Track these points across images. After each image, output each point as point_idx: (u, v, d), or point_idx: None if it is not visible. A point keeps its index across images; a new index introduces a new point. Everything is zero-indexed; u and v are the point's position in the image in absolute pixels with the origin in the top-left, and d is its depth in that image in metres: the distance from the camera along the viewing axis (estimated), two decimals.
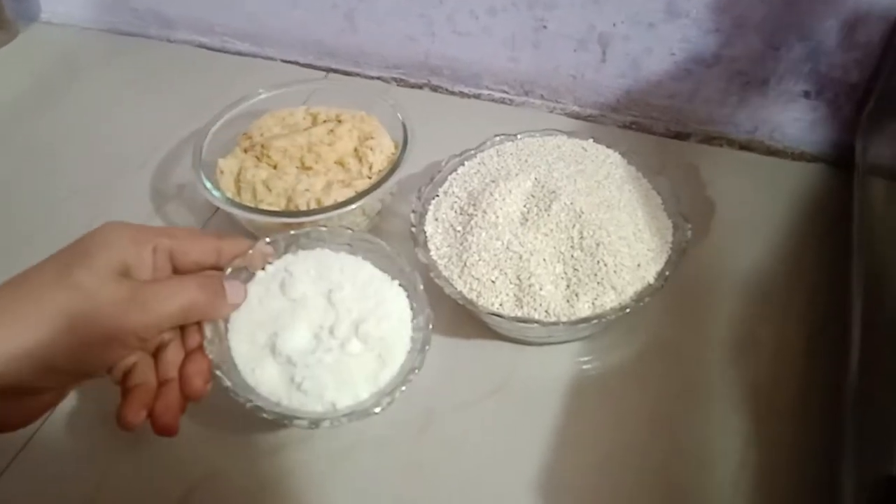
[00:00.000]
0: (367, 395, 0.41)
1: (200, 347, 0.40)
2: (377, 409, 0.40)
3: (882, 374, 0.35)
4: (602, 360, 0.47)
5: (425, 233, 0.48)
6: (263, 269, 0.44)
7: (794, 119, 0.58)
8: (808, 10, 0.52)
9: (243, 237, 0.44)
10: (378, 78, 0.70)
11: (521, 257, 0.45)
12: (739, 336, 0.48)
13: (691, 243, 0.46)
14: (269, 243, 0.45)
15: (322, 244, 0.46)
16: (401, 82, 0.69)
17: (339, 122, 0.55)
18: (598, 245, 0.45)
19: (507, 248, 0.45)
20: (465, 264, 0.46)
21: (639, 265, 0.45)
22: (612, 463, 0.43)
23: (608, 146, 0.52)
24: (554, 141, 0.52)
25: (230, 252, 0.43)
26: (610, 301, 0.44)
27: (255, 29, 0.71)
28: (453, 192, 0.50)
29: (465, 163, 0.52)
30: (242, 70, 0.71)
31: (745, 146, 0.61)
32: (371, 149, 0.53)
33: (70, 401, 0.46)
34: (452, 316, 0.48)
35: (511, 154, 0.52)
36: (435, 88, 0.68)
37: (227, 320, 0.42)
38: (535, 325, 0.43)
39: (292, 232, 0.46)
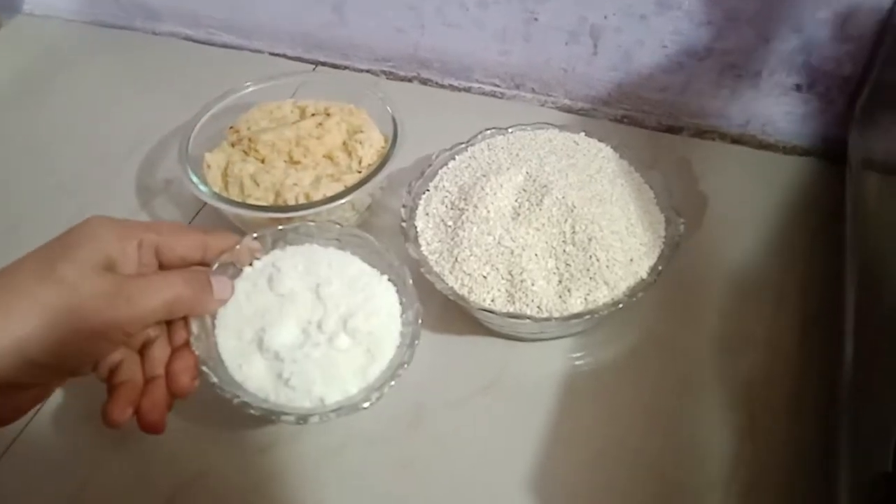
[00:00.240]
0: (356, 391, 0.40)
1: (187, 344, 0.40)
2: (366, 405, 0.39)
3: (877, 369, 0.34)
4: (595, 355, 0.47)
5: (416, 228, 0.48)
6: (251, 264, 0.44)
7: (786, 112, 0.58)
8: (800, 3, 0.52)
9: (230, 232, 0.44)
10: (367, 71, 0.69)
11: (512, 252, 0.45)
12: (732, 330, 0.48)
13: (684, 237, 0.46)
14: (256, 238, 0.44)
15: (310, 239, 0.45)
16: (390, 75, 0.69)
17: (328, 115, 0.55)
18: (590, 240, 0.44)
19: (499, 243, 0.45)
20: (456, 259, 0.45)
21: (631, 260, 0.44)
22: (605, 459, 0.42)
23: (600, 140, 0.52)
24: (545, 135, 0.52)
25: (217, 247, 0.42)
26: (602, 296, 0.43)
27: (242, 21, 0.70)
28: (444, 187, 0.49)
29: (456, 157, 0.51)
30: (229, 63, 0.71)
31: (737, 140, 0.61)
32: (360, 142, 0.53)
33: (56, 399, 0.46)
34: (443, 311, 0.47)
35: (502, 148, 0.51)
36: (425, 81, 0.68)
37: (214, 316, 0.42)
38: (528, 320, 0.43)
39: (280, 227, 0.45)
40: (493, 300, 0.44)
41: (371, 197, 0.54)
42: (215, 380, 0.39)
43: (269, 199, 0.50)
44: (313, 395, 0.40)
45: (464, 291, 0.44)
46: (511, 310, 0.44)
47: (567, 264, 0.44)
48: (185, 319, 0.40)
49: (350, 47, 0.68)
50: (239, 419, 0.41)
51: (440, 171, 0.51)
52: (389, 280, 0.44)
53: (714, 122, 0.61)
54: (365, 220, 0.54)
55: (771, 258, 0.52)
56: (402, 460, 0.43)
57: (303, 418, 0.39)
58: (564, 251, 0.45)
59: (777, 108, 0.58)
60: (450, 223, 0.47)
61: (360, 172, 0.52)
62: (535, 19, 0.59)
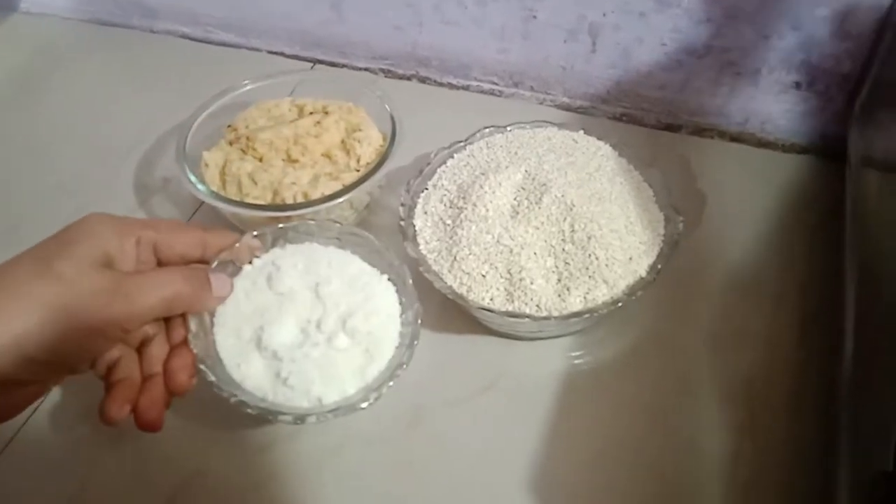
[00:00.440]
0: (355, 391, 0.40)
1: (185, 341, 0.40)
2: (364, 405, 0.39)
3: (877, 367, 0.34)
4: (594, 354, 0.47)
5: (414, 226, 0.48)
6: (250, 262, 0.44)
7: (785, 110, 0.58)
8: (799, 0, 0.52)
9: (229, 230, 0.44)
10: (365, 69, 0.69)
11: (511, 251, 0.44)
12: (731, 328, 0.48)
13: (683, 236, 0.46)
14: (256, 237, 0.44)
15: (310, 238, 0.45)
16: (388, 73, 0.69)
17: (326, 113, 0.54)
18: (589, 238, 0.44)
19: (498, 241, 0.45)
20: (454, 258, 0.45)
21: (630, 258, 0.44)
22: (604, 458, 0.42)
23: (599, 138, 0.52)
24: (544, 133, 0.52)
25: (216, 245, 0.42)
26: (602, 295, 0.43)
27: (240, 19, 0.70)
28: (443, 185, 0.49)
29: (455, 155, 0.51)
30: (227, 61, 0.70)
31: (735, 138, 0.61)
32: (359, 141, 0.52)
33: (54, 397, 0.46)
34: (442, 311, 0.47)
35: (501, 146, 0.51)
36: (423, 80, 0.68)
37: (212, 314, 0.42)
38: (527, 319, 0.43)
39: (280, 225, 0.45)
40: (491, 299, 0.44)
41: (369, 195, 0.54)
42: (213, 378, 0.39)
43: (267, 198, 0.50)
44: (311, 394, 0.40)
45: (462, 290, 0.44)
46: (510, 309, 0.43)
47: (566, 263, 0.44)
48: (184, 317, 0.40)
49: (348, 45, 0.68)
50: (237, 418, 0.41)
51: (439, 170, 0.51)
52: (389, 280, 0.44)
53: (713, 120, 0.61)
54: (363, 218, 0.54)
55: (770, 256, 0.52)
56: (401, 460, 0.43)
57: (300, 418, 0.39)
58: (563, 250, 0.44)
59: (776, 105, 0.58)
60: (448, 222, 0.47)
61: (358, 171, 0.52)
62: (534, 17, 0.59)
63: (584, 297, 0.43)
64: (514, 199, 0.47)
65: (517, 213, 0.46)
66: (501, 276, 0.44)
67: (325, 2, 0.65)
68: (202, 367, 0.39)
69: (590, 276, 0.43)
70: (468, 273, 0.44)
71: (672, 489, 0.41)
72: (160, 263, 0.40)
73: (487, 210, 0.46)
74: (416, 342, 0.41)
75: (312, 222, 0.46)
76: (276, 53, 0.71)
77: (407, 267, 0.44)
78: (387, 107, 0.53)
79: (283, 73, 0.59)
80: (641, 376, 0.46)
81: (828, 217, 0.52)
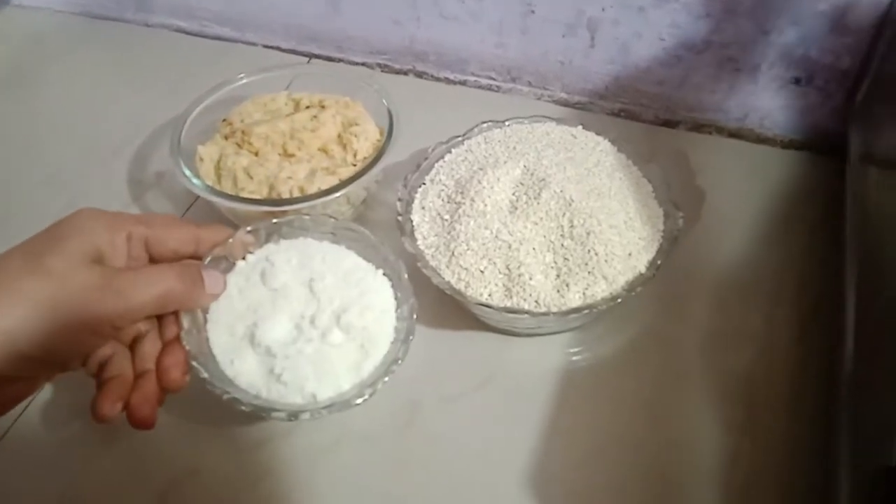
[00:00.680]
0: (349, 387, 0.40)
1: (178, 338, 0.39)
2: (359, 401, 0.39)
3: (879, 364, 0.34)
4: (592, 350, 0.47)
5: (412, 222, 0.47)
6: (244, 258, 0.43)
7: (784, 106, 0.58)
8: None
9: (223, 225, 0.43)
10: (362, 64, 0.69)
11: (510, 246, 0.44)
12: (730, 325, 0.47)
13: (682, 232, 0.45)
14: (249, 232, 0.44)
15: (305, 233, 0.45)
16: (385, 68, 0.68)
17: (323, 107, 0.54)
18: (588, 234, 0.44)
19: (496, 237, 0.44)
20: (452, 254, 0.44)
21: (630, 254, 0.44)
22: (603, 455, 0.42)
23: (598, 133, 0.51)
24: (543, 128, 0.51)
25: (209, 241, 0.42)
26: (601, 291, 0.43)
27: (235, 12, 0.70)
28: (440, 180, 0.49)
29: (452, 150, 0.51)
30: (222, 55, 0.70)
31: (734, 134, 0.60)
32: (355, 135, 0.52)
33: (45, 394, 0.45)
34: (439, 306, 0.47)
35: (499, 141, 0.51)
36: (420, 74, 0.67)
37: (205, 311, 0.41)
38: (525, 315, 0.42)
39: (274, 220, 0.45)
40: (490, 295, 0.43)
41: (366, 191, 0.53)
42: (206, 375, 0.39)
43: (262, 193, 0.50)
44: (306, 391, 0.39)
45: (461, 286, 0.44)
46: (508, 304, 0.43)
47: (565, 258, 0.44)
48: (176, 314, 0.39)
49: (345, 39, 0.68)
50: (231, 415, 0.41)
51: (436, 165, 0.50)
52: (385, 275, 0.44)
53: (712, 116, 0.60)
54: (360, 213, 0.54)
55: (768, 252, 0.51)
56: (397, 457, 0.43)
57: (294, 415, 0.39)
58: (563, 245, 0.44)
59: (775, 101, 0.58)
60: (446, 217, 0.47)
61: (355, 165, 0.51)
62: (532, 12, 0.59)
63: (584, 293, 0.43)
64: (513, 194, 0.47)
65: (516, 208, 0.46)
66: (500, 272, 0.44)
67: None
68: (195, 363, 0.39)
69: (589, 272, 0.43)
70: (466, 268, 0.44)
71: (670, 487, 0.41)
72: (152, 259, 0.40)
73: (486, 205, 0.46)
74: (411, 337, 0.41)
75: (307, 217, 0.45)
76: (271, 48, 0.70)
77: (402, 262, 0.43)
78: (384, 101, 0.53)
79: (280, 67, 0.58)
80: (640, 373, 0.45)
81: (827, 213, 0.52)
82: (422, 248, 0.46)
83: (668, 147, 0.59)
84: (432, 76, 0.67)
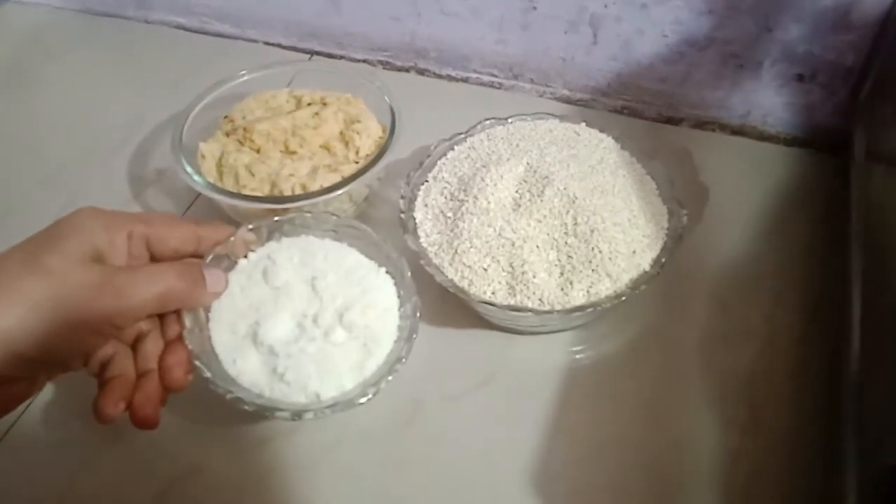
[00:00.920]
0: (352, 386, 0.40)
1: (180, 337, 0.39)
2: (362, 400, 0.39)
3: (885, 363, 0.34)
4: (596, 349, 0.46)
5: (415, 219, 0.47)
6: (246, 256, 0.43)
7: (787, 103, 0.57)
8: None
9: (224, 224, 0.43)
10: (363, 61, 0.68)
11: (513, 244, 0.44)
12: (732, 324, 0.47)
13: (686, 229, 0.45)
14: (251, 230, 0.43)
15: (307, 231, 0.45)
16: (387, 65, 0.68)
17: (325, 104, 0.54)
18: (592, 231, 0.43)
19: (500, 234, 0.44)
20: (456, 251, 0.44)
21: (634, 252, 0.44)
22: (605, 454, 0.42)
23: (601, 130, 0.51)
24: (546, 125, 0.51)
25: (211, 239, 0.41)
26: (605, 289, 0.43)
27: (236, 9, 0.69)
28: (443, 178, 0.49)
29: (455, 147, 0.51)
30: (223, 52, 0.70)
31: (737, 131, 0.60)
32: (358, 132, 0.52)
33: (47, 394, 0.45)
34: (441, 304, 0.47)
35: (502, 138, 0.50)
36: (421, 72, 0.67)
37: (207, 310, 0.41)
38: (529, 313, 0.42)
39: (276, 218, 0.44)
40: (493, 293, 0.43)
41: (368, 188, 0.53)
42: (208, 374, 0.38)
43: (264, 190, 0.49)
44: (309, 390, 0.39)
45: (464, 284, 0.43)
46: (512, 302, 0.43)
47: (569, 256, 0.43)
48: (178, 313, 0.39)
49: (346, 36, 0.67)
50: (233, 414, 0.41)
51: (439, 162, 0.50)
52: (387, 272, 0.43)
53: (714, 113, 0.60)
54: (362, 211, 0.54)
55: (770, 251, 0.51)
56: (399, 456, 0.42)
57: (297, 414, 0.38)
58: (566, 243, 0.44)
59: (778, 98, 0.57)
60: (449, 214, 0.46)
61: (357, 163, 0.51)
62: (534, 8, 0.59)
63: (587, 291, 0.42)
64: (516, 191, 0.46)
65: (519, 205, 0.46)
66: (503, 270, 0.43)
67: None
68: (198, 363, 0.38)
69: (593, 270, 0.43)
70: (469, 266, 0.44)
71: (672, 486, 0.41)
72: (153, 258, 0.39)
73: (489, 203, 0.45)
74: (414, 336, 0.41)
75: (309, 215, 0.45)
76: (272, 45, 0.70)
77: (405, 259, 0.43)
78: (386, 98, 0.53)
79: (281, 64, 0.58)
80: (642, 372, 0.45)
81: (829, 211, 0.52)
82: (424, 245, 0.46)
83: (671, 144, 0.59)
84: (434, 73, 0.67)
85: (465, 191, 0.47)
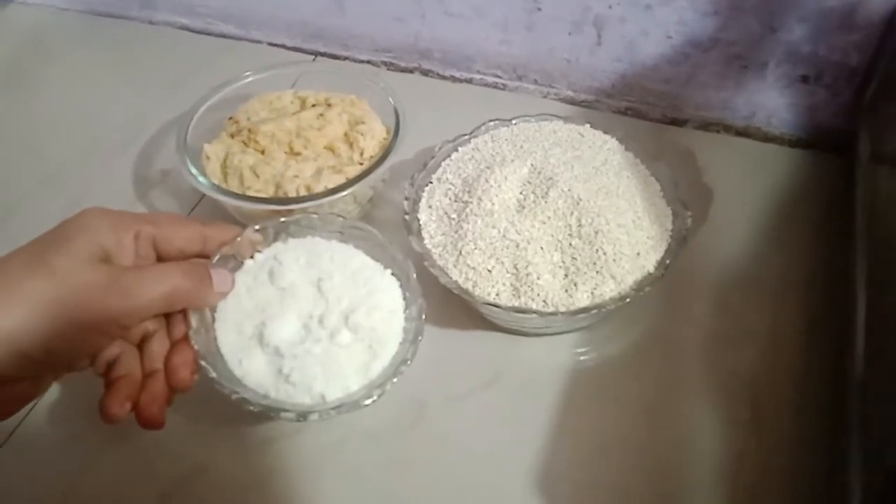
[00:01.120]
0: (358, 387, 0.40)
1: (186, 338, 0.39)
2: (367, 402, 0.39)
3: (890, 364, 0.34)
4: (600, 350, 0.46)
5: (419, 220, 0.47)
6: (252, 257, 0.43)
7: (792, 104, 0.57)
8: None
9: (230, 224, 0.43)
10: (367, 62, 0.68)
11: (517, 246, 0.44)
12: (736, 325, 0.47)
13: (691, 231, 0.45)
14: (257, 231, 0.43)
15: (313, 232, 0.45)
16: (391, 66, 0.68)
17: (329, 105, 0.54)
18: (596, 233, 0.43)
19: (504, 236, 0.44)
20: (460, 253, 0.44)
21: (638, 254, 0.44)
22: (610, 455, 0.42)
23: (605, 132, 0.51)
24: (550, 126, 0.51)
25: (217, 239, 0.41)
26: (609, 290, 0.43)
27: (240, 10, 0.69)
28: (447, 179, 0.49)
29: (459, 148, 0.51)
30: (227, 53, 0.70)
31: (741, 132, 0.60)
32: (362, 134, 0.52)
33: (53, 394, 0.45)
34: (446, 306, 0.47)
35: (506, 139, 0.50)
36: (426, 73, 0.67)
37: (213, 310, 0.41)
38: (534, 315, 0.42)
39: (282, 219, 0.45)
40: (497, 294, 0.43)
41: (373, 189, 0.53)
42: (214, 374, 0.39)
43: (269, 191, 0.49)
44: (314, 391, 0.39)
45: (468, 285, 0.44)
46: (516, 304, 0.43)
47: (573, 258, 0.43)
48: (185, 313, 0.39)
49: (350, 37, 0.67)
50: (238, 414, 0.40)
51: (443, 163, 0.50)
52: (393, 274, 0.43)
53: (719, 115, 0.60)
54: (367, 212, 0.54)
55: (775, 251, 0.51)
56: (404, 457, 0.43)
57: (303, 415, 0.39)
58: (571, 244, 0.44)
59: (783, 99, 0.57)
60: (453, 216, 0.46)
61: (361, 164, 0.51)
62: (538, 9, 0.59)
63: (592, 293, 0.43)
64: (521, 193, 0.46)
65: (523, 207, 0.46)
66: (508, 272, 0.44)
67: None
68: (203, 363, 0.39)
69: (597, 272, 0.43)
70: (474, 268, 0.44)
71: (676, 487, 0.41)
72: (160, 258, 0.39)
73: (493, 204, 0.46)
74: (420, 338, 0.41)
75: (315, 216, 0.45)
76: (276, 45, 0.70)
77: (411, 261, 0.43)
78: (390, 99, 0.53)
79: (285, 65, 0.58)
80: (646, 373, 0.45)
81: (834, 212, 0.52)
82: (429, 247, 0.46)
83: (676, 145, 0.59)
84: (438, 74, 0.67)
85: (469, 192, 0.47)
